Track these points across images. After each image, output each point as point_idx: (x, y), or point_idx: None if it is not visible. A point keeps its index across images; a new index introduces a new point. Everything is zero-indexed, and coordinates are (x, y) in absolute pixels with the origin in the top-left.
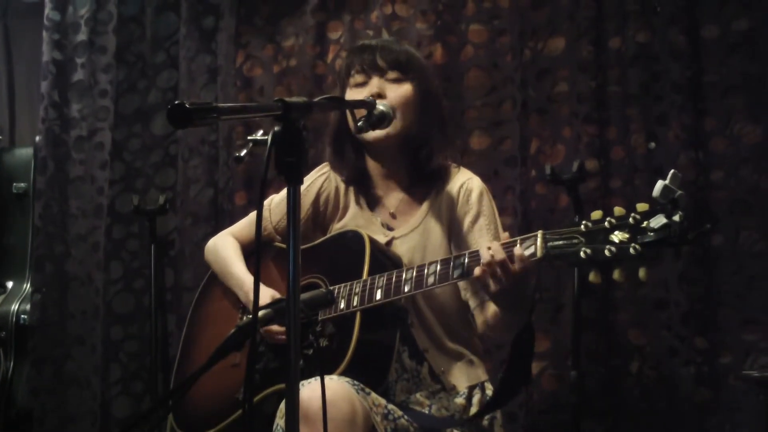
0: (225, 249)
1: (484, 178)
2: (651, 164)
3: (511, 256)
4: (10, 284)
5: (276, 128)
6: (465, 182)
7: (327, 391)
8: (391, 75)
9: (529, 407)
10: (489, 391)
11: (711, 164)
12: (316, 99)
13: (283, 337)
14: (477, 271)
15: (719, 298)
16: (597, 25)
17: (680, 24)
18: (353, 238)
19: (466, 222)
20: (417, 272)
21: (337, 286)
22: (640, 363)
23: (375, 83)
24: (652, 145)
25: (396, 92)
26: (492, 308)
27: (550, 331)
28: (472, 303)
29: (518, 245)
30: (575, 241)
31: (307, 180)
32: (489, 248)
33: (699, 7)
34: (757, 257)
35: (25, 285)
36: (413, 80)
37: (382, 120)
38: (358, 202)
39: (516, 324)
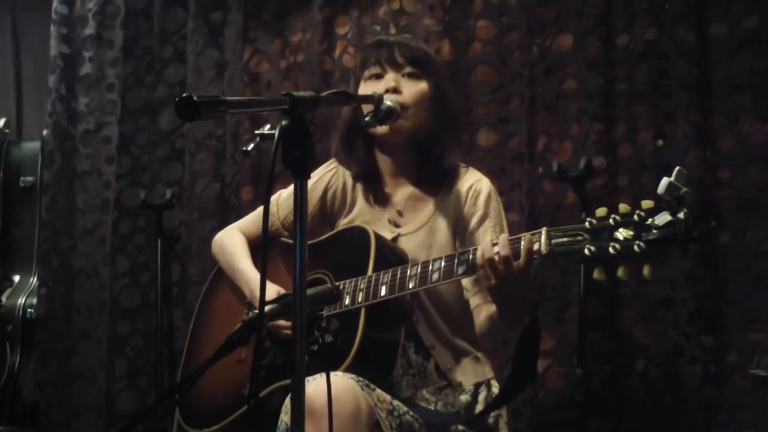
0: (231, 244)
1: (491, 175)
2: (658, 162)
3: (516, 252)
4: (16, 278)
5: (283, 122)
6: (474, 183)
7: (331, 388)
8: (408, 70)
9: (535, 405)
10: (495, 389)
11: (718, 162)
12: (323, 93)
13: (290, 331)
14: (479, 259)
15: (726, 297)
16: (605, 22)
17: (688, 21)
18: (359, 234)
19: (472, 223)
20: (422, 268)
21: (342, 282)
22: (646, 361)
23: (391, 77)
24: (660, 142)
25: (411, 89)
26: (491, 309)
27: (555, 329)
28: (473, 303)
29: (523, 241)
30: (579, 238)
31: (315, 175)
32: (495, 243)
33: (707, 5)
34: (764, 256)
35: (31, 279)
36: (429, 79)
37: (390, 115)
38: (366, 198)
39: (514, 325)
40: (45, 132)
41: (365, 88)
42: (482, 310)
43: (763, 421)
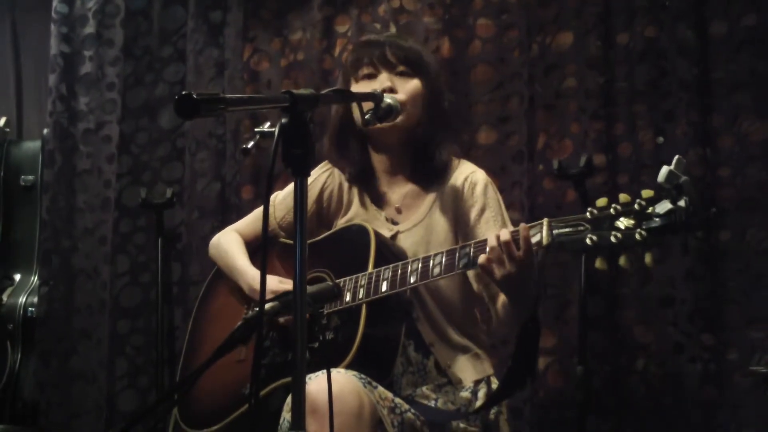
0: (228, 243)
1: (491, 173)
2: (658, 160)
3: (516, 241)
4: (17, 277)
5: (283, 120)
6: (469, 175)
7: (334, 385)
8: (400, 69)
9: (535, 403)
10: (495, 386)
11: (718, 161)
12: (323, 91)
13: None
14: (481, 258)
15: (725, 296)
16: (605, 20)
17: (688, 20)
18: (358, 232)
19: (473, 215)
20: (423, 263)
21: (342, 279)
22: (646, 360)
23: (385, 77)
24: (661, 139)
25: (406, 87)
26: (502, 299)
27: (556, 328)
28: (486, 295)
29: (521, 230)
30: (581, 228)
31: (311, 177)
32: (498, 236)
33: (707, 3)
34: (764, 255)
35: (32, 278)
36: (421, 76)
37: (390, 113)
38: (361, 199)
39: (523, 317)
40: (45, 131)
41: (358, 89)
42: (495, 301)
43: (763, 421)
